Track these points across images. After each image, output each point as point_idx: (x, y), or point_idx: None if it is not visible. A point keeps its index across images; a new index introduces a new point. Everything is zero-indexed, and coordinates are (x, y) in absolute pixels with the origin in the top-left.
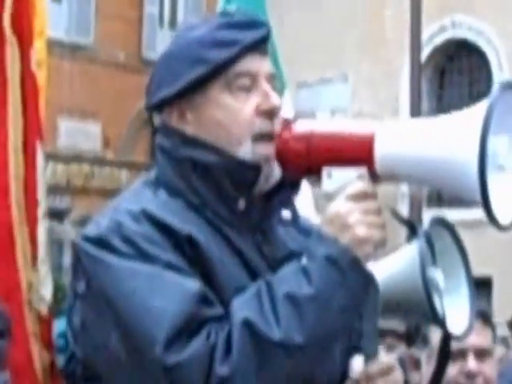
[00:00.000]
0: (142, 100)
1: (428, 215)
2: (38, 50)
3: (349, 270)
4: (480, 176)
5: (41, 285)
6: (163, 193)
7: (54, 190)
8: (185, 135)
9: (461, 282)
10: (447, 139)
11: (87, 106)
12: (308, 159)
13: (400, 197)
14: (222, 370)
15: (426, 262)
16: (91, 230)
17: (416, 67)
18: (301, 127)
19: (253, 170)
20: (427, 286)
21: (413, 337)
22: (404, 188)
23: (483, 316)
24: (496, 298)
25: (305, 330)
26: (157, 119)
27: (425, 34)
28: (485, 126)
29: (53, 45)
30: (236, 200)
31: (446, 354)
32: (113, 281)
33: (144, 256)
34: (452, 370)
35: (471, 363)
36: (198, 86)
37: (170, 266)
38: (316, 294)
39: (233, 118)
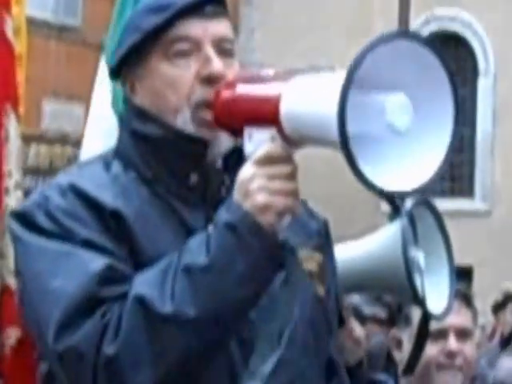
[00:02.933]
0: None
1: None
2: (15, 17)
3: (248, 236)
4: (339, 127)
5: (10, 257)
6: (117, 165)
7: (36, 171)
8: (135, 107)
9: (442, 262)
10: (325, 94)
11: (73, 88)
12: (232, 120)
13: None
14: (108, 349)
15: (408, 241)
16: (21, 205)
17: None
18: (227, 89)
19: (197, 142)
20: (408, 265)
21: (395, 317)
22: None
23: (464, 297)
24: (476, 288)
25: (197, 303)
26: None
27: (412, 25)
28: (348, 76)
29: (39, 25)
30: (187, 174)
31: (424, 333)
32: (25, 260)
33: (63, 232)
34: (432, 349)
35: (452, 343)
36: (138, 55)
37: (86, 242)
38: (211, 264)
39: (169, 85)
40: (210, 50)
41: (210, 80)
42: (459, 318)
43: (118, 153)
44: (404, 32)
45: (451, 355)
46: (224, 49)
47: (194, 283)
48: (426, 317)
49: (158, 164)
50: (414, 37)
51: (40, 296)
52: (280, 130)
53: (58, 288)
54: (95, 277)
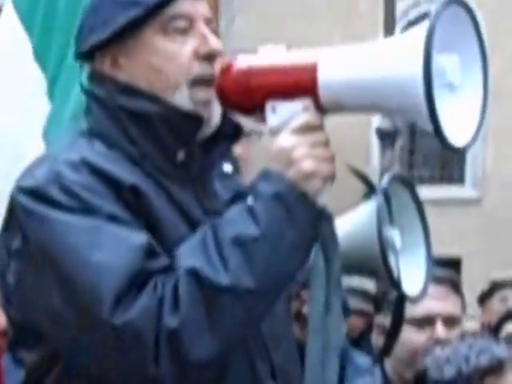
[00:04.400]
0: None
1: None
2: None
3: (297, 206)
4: (426, 92)
5: None
6: (100, 145)
7: None
8: (118, 83)
9: (418, 242)
10: (390, 59)
11: None
12: (250, 95)
13: (371, 174)
14: (171, 321)
15: (383, 221)
16: (26, 181)
17: None
18: (240, 63)
19: (193, 119)
20: (383, 245)
21: (379, 303)
22: (375, 163)
23: (452, 283)
24: (465, 278)
25: (254, 273)
26: (87, 67)
27: (399, 8)
28: (428, 40)
29: None
30: (175, 151)
31: (400, 315)
32: (51, 236)
33: (85, 207)
34: (421, 336)
35: (440, 330)
36: (131, 30)
37: (112, 217)
38: (264, 234)
39: (168, 61)
40: (205, 28)
41: (210, 57)
42: (447, 305)
43: (95, 133)
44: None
45: (439, 343)
46: (212, 28)
47: (249, 254)
48: (402, 299)
49: (145, 141)
50: (461, 3)
51: (80, 271)
52: (315, 100)
53: (101, 262)
54: (139, 250)
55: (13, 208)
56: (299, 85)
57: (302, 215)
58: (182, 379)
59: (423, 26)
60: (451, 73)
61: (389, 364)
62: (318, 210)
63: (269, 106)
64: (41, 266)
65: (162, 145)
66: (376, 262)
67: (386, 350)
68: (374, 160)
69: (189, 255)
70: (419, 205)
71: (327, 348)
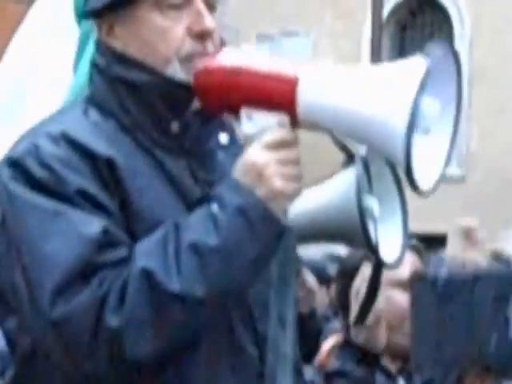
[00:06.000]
0: None
1: None
2: None
3: (260, 223)
4: (406, 141)
5: None
6: (94, 113)
7: None
8: (115, 52)
9: (395, 209)
10: (377, 94)
11: None
12: (227, 94)
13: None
14: (112, 320)
15: (362, 189)
16: (10, 152)
17: (377, 22)
18: (223, 59)
19: (185, 89)
20: (362, 213)
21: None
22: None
23: (416, 250)
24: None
25: (206, 283)
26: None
27: None
28: (419, 90)
29: None
30: (169, 122)
31: (376, 282)
32: (16, 215)
33: (57, 180)
34: (404, 298)
35: None
36: (127, 1)
37: (80, 193)
38: (222, 245)
39: (159, 37)
40: (201, 5)
41: (202, 35)
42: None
43: (93, 100)
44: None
45: None
46: (210, 3)
47: (203, 262)
48: (379, 265)
49: (140, 111)
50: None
51: (34, 256)
52: (292, 115)
53: (51, 252)
54: (91, 242)
55: None
56: (278, 99)
57: (263, 233)
58: (120, 376)
59: (415, 66)
60: (431, 118)
61: (361, 335)
62: (280, 228)
63: (245, 111)
64: (8, 242)
65: (155, 115)
66: (354, 230)
67: (362, 317)
68: None
69: (146, 254)
70: (396, 173)
71: (284, 361)
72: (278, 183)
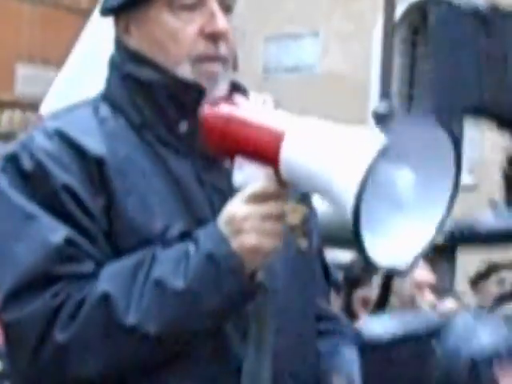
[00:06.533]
0: None
1: None
2: None
3: (227, 275)
4: (354, 207)
5: None
6: (106, 109)
7: (9, 138)
8: (129, 49)
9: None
10: (338, 158)
11: (48, 53)
12: (224, 141)
13: None
14: (59, 335)
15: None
16: (12, 146)
17: (389, 24)
18: (223, 107)
19: (194, 89)
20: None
21: (358, 280)
22: None
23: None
24: (459, 266)
25: (160, 322)
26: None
27: None
28: (373, 161)
29: None
30: (177, 122)
31: (387, 289)
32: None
33: (43, 174)
34: (422, 272)
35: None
36: (140, 0)
37: (66, 189)
38: (186, 290)
39: (170, 38)
40: (215, 6)
41: (214, 37)
42: None
43: (106, 96)
44: (432, 120)
45: (419, 286)
46: (226, 4)
47: (163, 302)
48: (390, 274)
49: (149, 109)
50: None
51: (2, 257)
52: (276, 171)
53: (17, 254)
54: (53, 251)
55: None
56: (264, 152)
57: (229, 286)
58: None
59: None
60: (401, 191)
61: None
62: (251, 284)
63: (237, 161)
64: None
65: (163, 114)
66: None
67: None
68: None
69: (114, 277)
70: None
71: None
72: (254, 239)
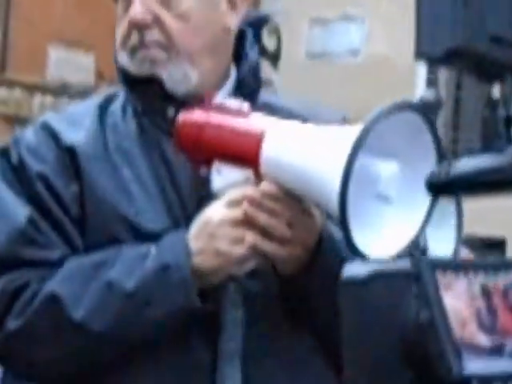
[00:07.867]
0: None
1: None
2: None
3: (177, 290)
4: (340, 195)
5: None
6: (121, 97)
7: None
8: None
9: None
10: (320, 153)
11: (81, 36)
12: (200, 149)
13: None
14: (11, 323)
15: None
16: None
17: None
18: (199, 113)
19: (140, 82)
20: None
21: None
22: None
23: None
24: None
25: (103, 321)
26: None
27: None
28: (354, 146)
29: None
30: (163, 108)
31: None
32: None
33: (21, 165)
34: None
35: None
36: None
37: (40, 177)
38: (133, 293)
39: (117, 27)
40: None
41: (130, 26)
42: None
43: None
44: (406, 104)
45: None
46: None
47: (110, 302)
48: None
49: (136, 98)
50: (414, 107)
51: None
52: (256, 172)
53: None
54: (18, 233)
55: None
56: (244, 154)
57: (176, 300)
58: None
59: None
60: (386, 183)
61: None
62: (196, 302)
63: (215, 166)
64: None
65: (148, 101)
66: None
67: None
68: None
69: (69, 275)
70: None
71: None
72: (224, 245)
